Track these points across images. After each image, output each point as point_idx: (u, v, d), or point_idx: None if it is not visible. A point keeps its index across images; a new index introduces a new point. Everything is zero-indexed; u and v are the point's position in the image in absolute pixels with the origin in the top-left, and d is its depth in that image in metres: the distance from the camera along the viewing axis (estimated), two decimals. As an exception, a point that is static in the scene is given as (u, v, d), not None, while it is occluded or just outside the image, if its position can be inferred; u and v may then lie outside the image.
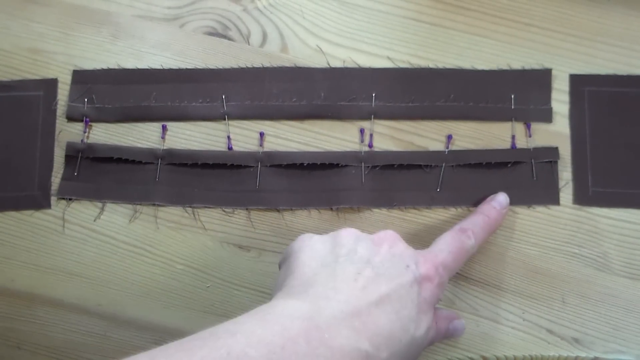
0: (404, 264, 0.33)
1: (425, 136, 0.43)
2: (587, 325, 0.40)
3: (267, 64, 0.45)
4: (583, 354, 0.39)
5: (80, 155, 0.43)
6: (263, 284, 0.41)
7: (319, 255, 0.33)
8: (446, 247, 0.36)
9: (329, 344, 0.28)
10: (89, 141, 0.44)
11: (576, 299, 0.40)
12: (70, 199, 0.43)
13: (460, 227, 0.38)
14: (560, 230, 0.41)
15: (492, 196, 0.41)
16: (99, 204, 0.43)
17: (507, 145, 0.43)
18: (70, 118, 0.44)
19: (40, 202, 0.43)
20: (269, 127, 0.44)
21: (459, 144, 0.43)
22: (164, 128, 0.44)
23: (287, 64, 0.45)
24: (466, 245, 0.37)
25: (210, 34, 0.46)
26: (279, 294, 0.32)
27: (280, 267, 0.36)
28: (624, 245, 0.41)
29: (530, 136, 0.43)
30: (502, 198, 0.40)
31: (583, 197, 0.42)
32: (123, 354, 0.41)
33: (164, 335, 0.41)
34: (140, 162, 0.43)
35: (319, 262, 0.33)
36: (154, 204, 0.43)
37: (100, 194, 0.43)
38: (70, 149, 0.43)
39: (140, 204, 0.43)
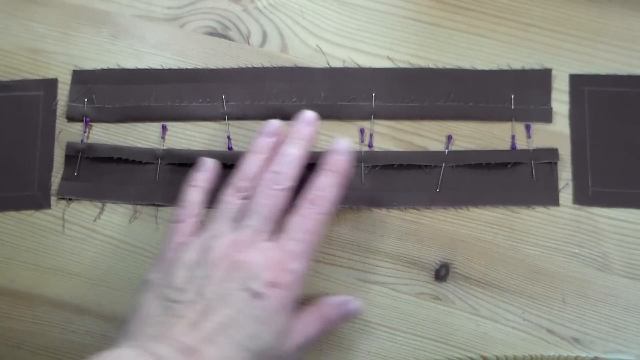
0: (241, 282, 0.33)
1: (425, 136, 0.43)
2: (587, 325, 0.40)
3: (267, 64, 0.45)
4: (583, 354, 0.39)
5: (80, 155, 0.43)
6: (263, 284, 0.41)
7: (160, 290, 0.34)
8: (298, 233, 0.35)
9: None
10: (89, 141, 0.44)
11: (576, 299, 0.40)
12: (70, 199, 0.43)
13: (309, 199, 0.36)
14: (560, 230, 0.41)
15: (332, 146, 0.37)
16: (99, 204, 0.43)
17: (507, 145, 0.43)
18: (70, 118, 0.44)
19: (40, 202, 0.43)
20: (269, 127, 0.44)
21: (459, 144, 0.43)
22: (164, 128, 0.44)
23: (287, 64, 0.45)
24: (320, 217, 0.35)
25: (210, 34, 0.46)
26: (120, 339, 0.33)
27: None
28: (624, 245, 0.41)
29: (529, 138, 0.43)
30: (342, 144, 0.37)
31: (583, 197, 0.42)
32: (123, 354, 0.41)
33: (164, 335, 0.41)
34: (140, 162, 0.43)
35: (158, 298, 0.33)
36: (154, 204, 0.43)
37: (100, 194, 0.43)
38: (70, 149, 0.43)
39: (141, 204, 0.43)
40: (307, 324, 0.35)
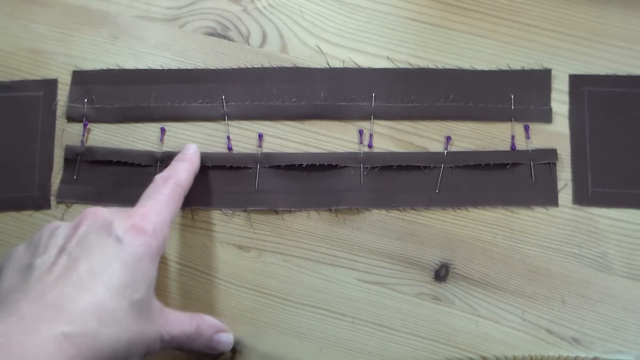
0: (105, 232, 0.33)
1: (425, 136, 0.43)
2: (586, 326, 0.40)
3: (266, 65, 0.45)
4: (583, 354, 0.39)
5: (79, 158, 0.43)
6: (263, 284, 0.41)
7: (19, 262, 0.33)
8: (152, 196, 0.37)
9: (24, 343, 0.28)
10: (88, 142, 0.44)
11: (576, 299, 0.40)
12: (70, 203, 0.43)
13: (162, 176, 0.38)
14: (560, 230, 0.41)
15: (183, 148, 0.42)
16: (99, 205, 0.43)
17: (507, 145, 0.43)
18: (70, 119, 0.44)
19: (40, 202, 0.43)
20: (268, 127, 0.44)
21: (458, 144, 0.43)
22: (163, 131, 0.44)
23: (287, 64, 0.45)
24: (172, 187, 0.38)
25: (210, 34, 0.46)
26: None
27: None
28: (624, 245, 0.41)
29: (528, 138, 0.43)
30: (192, 147, 0.42)
31: (583, 197, 0.42)
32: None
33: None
34: (139, 165, 0.43)
35: (17, 268, 0.33)
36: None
37: (99, 197, 0.43)
38: (69, 152, 0.43)
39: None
40: (184, 323, 0.36)
